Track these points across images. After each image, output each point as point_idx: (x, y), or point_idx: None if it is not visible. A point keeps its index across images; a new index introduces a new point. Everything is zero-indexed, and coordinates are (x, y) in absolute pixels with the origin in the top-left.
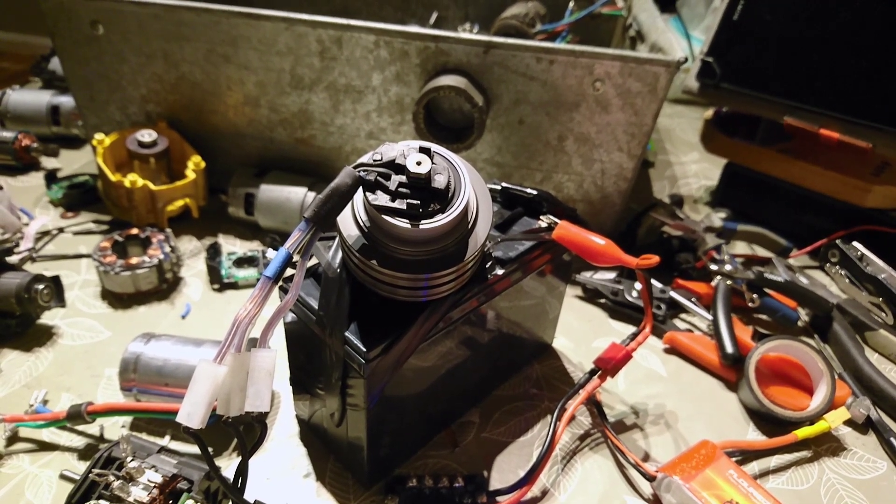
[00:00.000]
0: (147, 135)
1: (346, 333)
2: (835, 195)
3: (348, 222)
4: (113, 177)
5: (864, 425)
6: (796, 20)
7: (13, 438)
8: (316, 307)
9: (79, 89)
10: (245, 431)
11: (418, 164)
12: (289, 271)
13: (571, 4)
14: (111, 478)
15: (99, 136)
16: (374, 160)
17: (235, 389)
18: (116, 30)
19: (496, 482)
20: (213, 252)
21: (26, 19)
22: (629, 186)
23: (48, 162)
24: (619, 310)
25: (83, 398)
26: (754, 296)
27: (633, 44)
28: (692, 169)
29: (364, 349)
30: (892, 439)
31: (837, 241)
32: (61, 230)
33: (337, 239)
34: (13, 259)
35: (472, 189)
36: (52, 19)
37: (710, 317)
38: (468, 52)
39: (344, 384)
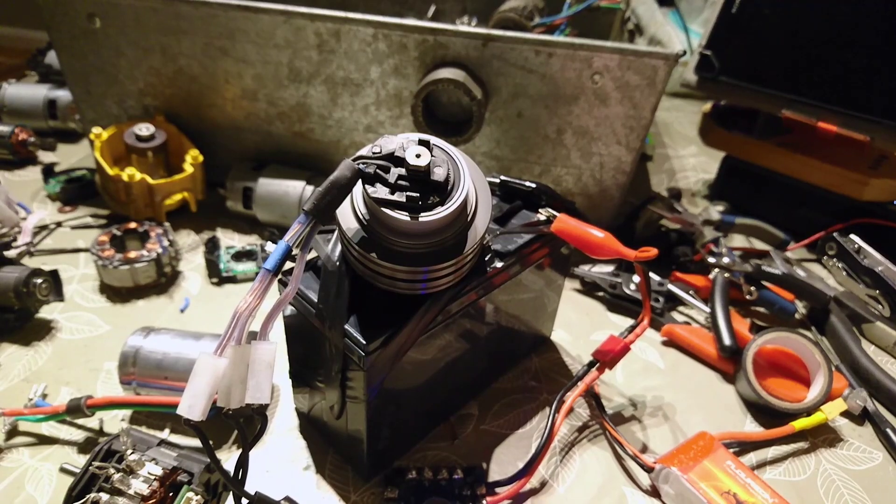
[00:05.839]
0: (145, 129)
1: (346, 326)
2: (832, 188)
3: (347, 215)
4: (111, 171)
5: (860, 417)
6: (794, 13)
7: (13, 432)
8: (315, 300)
9: (75, 83)
10: (245, 424)
11: (418, 156)
12: (288, 264)
13: None
14: (111, 470)
15: (96, 130)
16: (374, 153)
17: (236, 382)
18: (113, 23)
19: (495, 474)
20: (212, 246)
21: (22, 13)
22: (627, 180)
23: (45, 156)
24: (618, 303)
25: (82, 392)
26: (752, 288)
27: (631, 37)
28: (690, 162)
29: (364, 342)
30: (888, 430)
31: (835, 234)
32: (59, 224)
33: (336, 232)
34: (11, 253)
35: (471, 182)
36: (49, 13)
37: (707, 309)
38: (467, 45)
39: (343, 377)
